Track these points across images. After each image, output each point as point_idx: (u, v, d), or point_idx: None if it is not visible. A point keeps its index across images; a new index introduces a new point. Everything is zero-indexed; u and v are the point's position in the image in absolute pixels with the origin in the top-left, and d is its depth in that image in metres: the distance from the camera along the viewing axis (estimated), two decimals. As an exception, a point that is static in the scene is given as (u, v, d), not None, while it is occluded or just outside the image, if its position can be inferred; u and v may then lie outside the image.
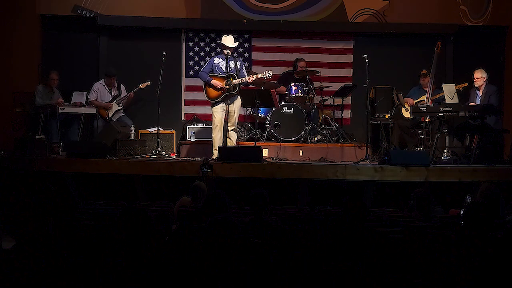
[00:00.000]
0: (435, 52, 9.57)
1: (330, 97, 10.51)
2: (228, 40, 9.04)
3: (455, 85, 9.27)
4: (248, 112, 10.31)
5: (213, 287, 3.61)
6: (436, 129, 9.21)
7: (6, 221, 5.43)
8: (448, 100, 9.07)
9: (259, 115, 9.93)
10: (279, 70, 10.97)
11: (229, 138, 9.04)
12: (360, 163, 8.75)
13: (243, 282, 3.64)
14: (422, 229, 5.14)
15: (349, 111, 11.34)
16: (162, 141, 10.06)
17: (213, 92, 8.99)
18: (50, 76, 9.91)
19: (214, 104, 9.02)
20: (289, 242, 4.09)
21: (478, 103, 9.15)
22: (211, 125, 9.31)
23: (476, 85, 9.26)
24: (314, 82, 10.61)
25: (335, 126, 10.29)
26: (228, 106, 8.93)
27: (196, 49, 11.32)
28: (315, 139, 10.14)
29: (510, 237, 4.30)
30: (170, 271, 3.72)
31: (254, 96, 9.03)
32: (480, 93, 9.25)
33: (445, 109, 8.85)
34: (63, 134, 9.77)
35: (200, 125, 10.61)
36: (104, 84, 10.22)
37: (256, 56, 11.39)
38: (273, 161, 9.08)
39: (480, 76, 9.21)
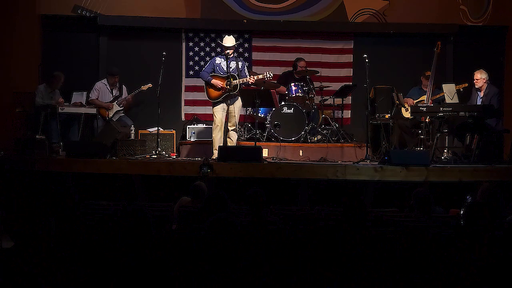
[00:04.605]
0: (435, 52, 9.57)
1: (330, 97, 10.51)
2: (228, 40, 9.05)
3: (455, 85, 9.26)
4: (248, 112, 10.31)
5: (213, 287, 3.61)
6: (436, 129, 9.21)
7: (6, 221, 5.42)
8: (448, 100, 9.07)
9: (259, 115, 9.93)
10: (279, 70, 10.97)
11: (229, 138, 9.06)
12: (360, 163, 8.76)
13: (243, 282, 3.64)
14: (422, 229, 5.14)
15: (349, 111, 11.34)
16: (162, 141, 10.06)
17: (214, 92, 9.00)
18: (59, 78, 9.86)
19: (214, 104, 9.03)
20: (289, 242, 4.09)
21: (479, 104, 9.14)
22: (211, 125, 9.33)
23: (476, 86, 9.24)
24: (314, 82, 10.61)
25: (335, 126, 10.29)
26: (229, 106, 8.95)
27: (196, 49, 11.32)
28: (315, 139, 10.14)
29: (510, 237, 4.30)
30: (170, 271, 3.72)
31: (254, 96, 9.04)
32: (481, 94, 9.24)
33: (445, 109, 8.85)
34: (63, 134, 9.76)
35: (200, 125, 10.62)
36: (106, 83, 10.23)
37: (256, 56, 11.39)
38: (273, 161, 9.09)
39: (480, 77, 9.19)
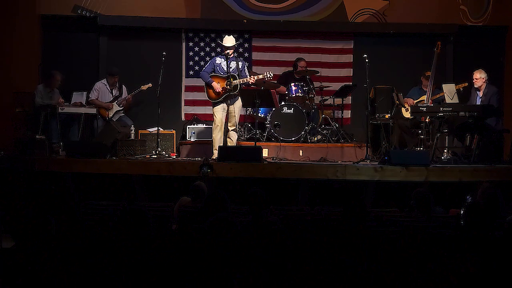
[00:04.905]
0: (435, 52, 9.56)
1: (330, 97, 10.51)
2: (228, 40, 9.05)
3: (455, 85, 9.27)
4: (248, 112, 10.31)
5: (212, 287, 3.61)
6: (436, 129, 9.21)
7: (6, 221, 5.42)
8: (448, 100, 9.07)
9: (259, 115, 9.93)
10: (279, 70, 10.96)
11: (229, 138, 9.07)
12: (360, 163, 8.76)
13: (243, 282, 3.64)
14: (422, 229, 5.14)
15: (349, 111, 11.33)
16: (162, 141, 10.06)
17: (214, 92, 9.00)
18: (55, 77, 9.88)
19: (215, 104, 9.03)
20: (289, 242, 4.09)
21: (479, 103, 9.14)
22: (211, 125, 9.33)
23: (475, 86, 9.25)
24: (314, 82, 10.61)
25: (335, 126, 10.29)
26: (229, 106, 8.95)
27: (196, 49, 11.32)
28: (315, 139, 10.14)
29: (510, 237, 4.30)
30: (170, 271, 3.72)
31: (254, 96, 9.04)
32: (480, 93, 9.24)
33: (445, 109, 8.85)
34: (63, 134, 9.77)
35: (200, 125, 10.62)
36: (106, 83, 10.24)
37: (256, 56, 11.38)
38: (273, 161, 9.09)
39: (479, 77, 9.19)
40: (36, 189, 7.77)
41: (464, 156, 9.08)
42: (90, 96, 10.13)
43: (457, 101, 9.07)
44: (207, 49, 11.30)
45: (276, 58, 11.37)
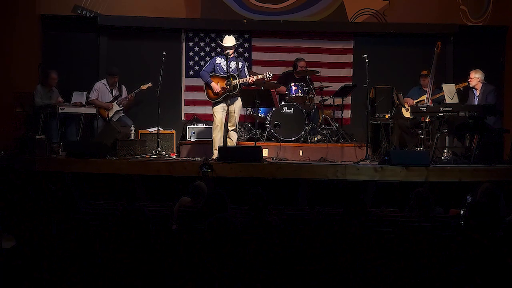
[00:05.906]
0: (435, 52, 9.57)
1: (330, 97, 10.52)
2: (228, 40, 9.05)
3: (455, 84, 9.28)
4: (248, 112, 10.31)
5: (212, 287, 3.61)
6: (436, 129, 9.21)
7: (6, 221, 5.42)
8: (448, 100, 9.08)
9: (259, 115, 9.93)
10: (279, 70, 10.97)
11: (229, 138, 9.07)
12: (360, 163, 8.76)
13: (243, 282, 3.64)
14: (422, 229, 5.15)
15: (349, 111, 11.34)
16: (162, 141, 10.06)
17: (213, 93, 9.00)
18: (50, 75, 9.91)
19: (214, 104, 9.04)
20: (289, 242, 4.09)
21: (476, 103, 9.16)
22: (211, 125, 9.34)
23: (471, 85, 9.28)
24: (314, 82, 10.61)
25: (335, 126, 10.29)
26: (229, 106, 8.95)
27: (196, 49, 11.32)
28: (315, 139, 10.14)
29: (510, 237, 4.30)
30: (170, 271, 3.72)
31: (254, 96, 9.03)
32: (477, 92, 9.26)
33: (445, 109, 8.86)
34: (63, 134, 9.77)
35: (200, 125, 10.62)
36: (106, 83, 10.24)
37: (256, 56, 11.39)
38: (273, 161, 9.09)
39: (474, 76, 9.23)
40: (36, 189, 7.77)
41: (464, 156, 9.09)
42: (90, 96, 10.14)
43: (457, 101, 9.08)
44: (207, 49, 11.30)
45: (276, 58, 11.38)
